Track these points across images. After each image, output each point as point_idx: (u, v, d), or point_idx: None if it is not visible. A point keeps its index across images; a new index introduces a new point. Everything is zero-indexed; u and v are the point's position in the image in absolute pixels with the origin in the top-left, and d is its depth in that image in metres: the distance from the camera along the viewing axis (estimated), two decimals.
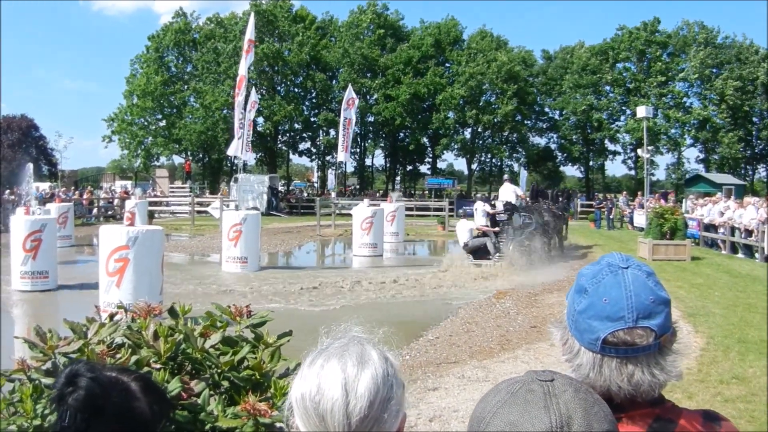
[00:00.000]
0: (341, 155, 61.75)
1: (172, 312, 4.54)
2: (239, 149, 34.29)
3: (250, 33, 34.17)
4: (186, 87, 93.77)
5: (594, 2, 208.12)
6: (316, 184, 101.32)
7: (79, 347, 4.23)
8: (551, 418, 1.86)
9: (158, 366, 4.06)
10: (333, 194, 66.83)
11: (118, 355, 4.16)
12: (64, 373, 2.22)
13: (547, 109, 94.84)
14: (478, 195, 44.52)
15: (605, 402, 2.03)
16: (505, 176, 41.99)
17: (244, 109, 36.73)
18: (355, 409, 1.97)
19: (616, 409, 2.29)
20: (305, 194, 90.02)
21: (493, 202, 35.34)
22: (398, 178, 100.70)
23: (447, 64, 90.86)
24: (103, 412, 2.14)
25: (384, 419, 2.03)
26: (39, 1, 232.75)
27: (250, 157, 31.34)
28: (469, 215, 33.68)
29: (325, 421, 1.99)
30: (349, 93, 60.27)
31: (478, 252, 31.12)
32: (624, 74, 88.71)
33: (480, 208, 32.18)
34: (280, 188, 77.36)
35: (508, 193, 34.61)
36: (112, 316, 4.66)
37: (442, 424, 10.39)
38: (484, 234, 31.27)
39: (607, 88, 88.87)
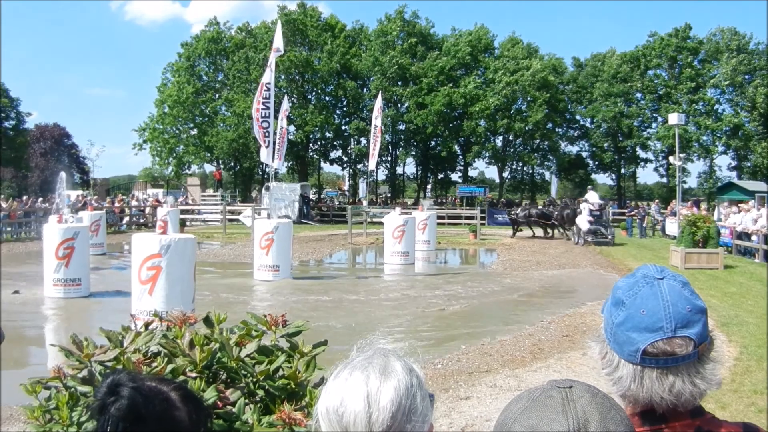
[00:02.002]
0: (372, 163, 61.88)
1: (207, 321, 4.56)
2: (269, 157, 34.19)
3: (277, 41, 34.07)
4: (217, 96, 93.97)
5: (625, 9, 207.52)
6: (347, 193, 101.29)
7: (115, 356, 4.26)
8: (569, 420, 1.89)
9: (194, 375, 4.08)
10: (364, 202, 66.84)
11: (154, 364, 4.19)
12: (105, 383, 2.25)
13: (578, 117, 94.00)
14: (588, 193, 47.69)
15: (643, 410, 2.05)
16: (590, 186, 58.01)
17: (276, 117, 36.65)
18: (377, 421, 1.99)
19: (658, 420, 2.30)
20: (336, 202, 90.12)
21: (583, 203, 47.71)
22: (429, 186, 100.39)
23: (480, 72, 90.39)
24: (145, 422, 2.17)
25: (407, 431, 2.06)
26: (71, 11, 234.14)
27: (280, 165, 31.11)
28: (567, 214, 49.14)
29: None
30: (379, 101, 60.34)
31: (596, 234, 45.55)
32: (655, 81, 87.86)
33: (585, 206, 46.34)
34: (311, 196, 77.45)
35: (594, 197, 49.12)
36: (147, 325, 4.69)
37: None
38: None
39: (638, 95, 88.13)
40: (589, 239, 45.36)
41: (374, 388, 2.03)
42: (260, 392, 4.15)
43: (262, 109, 32.87)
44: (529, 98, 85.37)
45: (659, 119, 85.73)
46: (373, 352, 2.17)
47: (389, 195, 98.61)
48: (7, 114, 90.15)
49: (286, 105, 50.51)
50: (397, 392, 2.02)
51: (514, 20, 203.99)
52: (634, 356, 2.34)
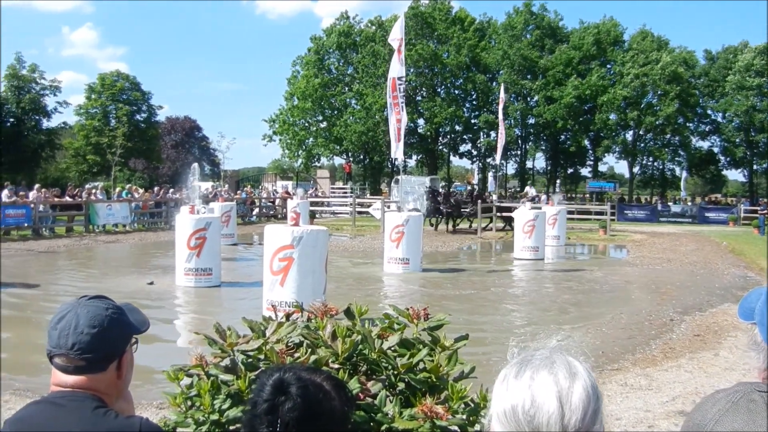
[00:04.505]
0: (497, 157, 61.85)
1: (348, 313, 4.57)
2: (399, 151, 34.13)
3: (398, 33, 33.84)
4: (347, 89, 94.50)
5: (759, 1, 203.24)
6: (476, 187, 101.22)
7: (258, 346, 4.30)
8: None
9: (336, 366, 4.09)
10: (494, 196, 66.68)
11: (297, 354, 4.21)
12: (269, 383, 2.27)
13: (709, 111, 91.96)
14: (527, 188, 49.79)
15: None
16: (529, 182, 53.84)
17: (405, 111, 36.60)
18: (570, 422, 1.94)
19: None
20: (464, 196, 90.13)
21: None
22: (558, 180, 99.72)
23: (609, 65, 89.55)
24: (316, 419, 2.19)
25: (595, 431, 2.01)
26: (204, 2, 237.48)
27: (400, 156, 31.03)
28: None
29: None
30: (502, 94, 60.24)
31: None
32: None
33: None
34: (440, 190, 77.47)
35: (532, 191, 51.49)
36: (288, 316, 4.72)
37: None
38: None
39: None
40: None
41: (565, 388, 1.98)
42: (401, 385, 4.14)
43: (394, 103, 32.77)
44: (659, 92, 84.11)
45: None
46: (550, 351, 2.12)
47: (518, 189, 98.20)
48: (139, 107, 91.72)
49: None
50: (586, 392, 1.98)
51: (645, 12, 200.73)
52: None
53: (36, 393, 11.26)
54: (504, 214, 49.27)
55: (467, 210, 48.91)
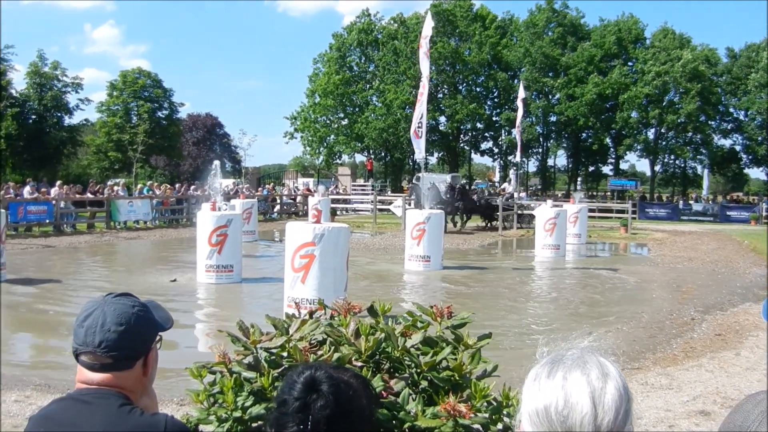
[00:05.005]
0: (518, 154, 61.95)
1: (371, 311, 4.58)
2: (421, 150, 34.08)
3: (426, 30, 33.90)
4: (368, 86, 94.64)
5: None
6: (497, 184, 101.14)
7: (281, 343, 4.31)
8: None
9: (359, 364, 4.11)
10: (515, 194, 66.60)
11: (320, 352, 4.22)
12: (300, 381, 2.29)
13: (731, 109, 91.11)
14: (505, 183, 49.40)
15: None
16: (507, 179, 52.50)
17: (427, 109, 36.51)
18: (603, 422, 1.94)
19: None
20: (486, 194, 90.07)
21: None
22: (580, 178, 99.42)
23: (630, 63, 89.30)
24: (347, 417, 2.21)
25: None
26: (226, 2, 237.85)
27: (419, 154, 30.94)
28: None
29: None
30: (521, 92, 60.35)
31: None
32: None
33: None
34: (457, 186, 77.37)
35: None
36: (311, 313, 4.74)
37: None
38: None
39: None
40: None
41: (598, 389, 1.97)
42: (423, 383, 4.15)
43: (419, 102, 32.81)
44: (681, 90, 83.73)
45: None
46: (581, 351, 2.13)
47: (539, 187, 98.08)
48: (160, 104, 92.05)
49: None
50: (619, 392, 1.99)
51: (667, 10, 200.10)
52: None
53: (55, 389, 11.35)
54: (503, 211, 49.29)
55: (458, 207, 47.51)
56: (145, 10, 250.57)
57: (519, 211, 50.17)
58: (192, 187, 56.94)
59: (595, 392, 1.97)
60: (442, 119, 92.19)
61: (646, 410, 10.79)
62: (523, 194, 55.69)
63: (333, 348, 4.23)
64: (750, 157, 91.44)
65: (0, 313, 16.18)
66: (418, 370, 4.15)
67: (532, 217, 43.43)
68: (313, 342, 4.37)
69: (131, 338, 2.94)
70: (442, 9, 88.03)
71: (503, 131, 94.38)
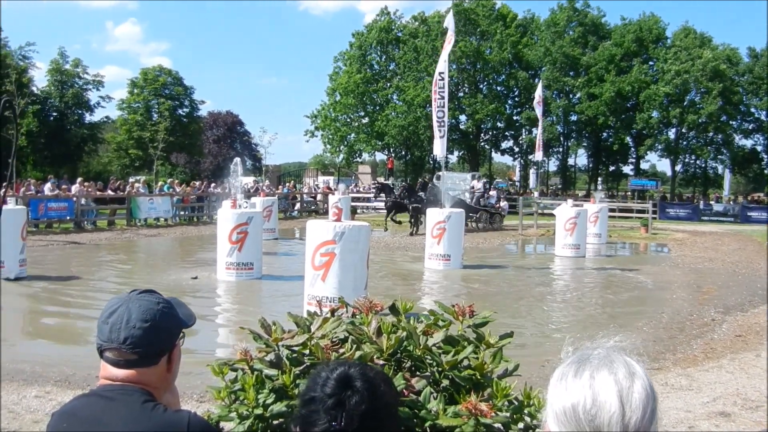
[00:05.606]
0: (538, 154, 61.83)
1: (393, 309, 4.58)
2: (442, 148, 33.99)
3: (450, 29, 33.86)
4: (389, 84, 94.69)
5: None
6: (518, 183, 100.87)
7: (303, 341, 4.32)
8: None
9: (381, 362, 4.11)
10: (535, 193, 66.47)
11: (342, 350, 4.23)
12: (333, 378, 2.31)
13: (753, 109, 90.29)
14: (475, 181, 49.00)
15: None
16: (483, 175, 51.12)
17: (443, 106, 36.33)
18: (630, 421, 1.95)
19: None
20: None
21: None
22: (600, 178, 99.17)
23: (651, 62, 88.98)
24: (375, 411, 2.23)
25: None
26: (247, 1, 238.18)
27: (440, 152, 30.81)
28: None
29: None
30: (539, 90, 60.38)
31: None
32: None
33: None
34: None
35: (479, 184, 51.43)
36: (333, 311, 4.75)
37: None
38: None
39: None
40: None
41: (625, 388, 1.99)
42: (445, 382, 4.14)
43: (438, 99, 32.69)
44: (702, 89, 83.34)
45: None
46: (607, 350, 2.14)
47: (560, 186, 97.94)
48: (181, 101, 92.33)
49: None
50: (646, 392, 2.00)
51: (688, 10, 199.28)
52: None
53: (75, 384, 11.40)
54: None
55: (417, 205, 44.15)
56: (167, 9, 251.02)
57: (488, 210, 49.81)
58: (212, 184, 57.06)
59: (623, 391, 1.99)
60: (463, 118, 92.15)
61: (666, 411, 10.76)
62: (493, 192, 54.95)
63: (355, 346, 4.24)
64: None
65: (0, 314, 16.16)
66: (440, 369, 4.15)
67: (502, 217, 45.64)
68: (334, 340, 4.38)
69: (156, 334, 2.96)
70: (464, 8, 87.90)
71: (524, 130, 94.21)
